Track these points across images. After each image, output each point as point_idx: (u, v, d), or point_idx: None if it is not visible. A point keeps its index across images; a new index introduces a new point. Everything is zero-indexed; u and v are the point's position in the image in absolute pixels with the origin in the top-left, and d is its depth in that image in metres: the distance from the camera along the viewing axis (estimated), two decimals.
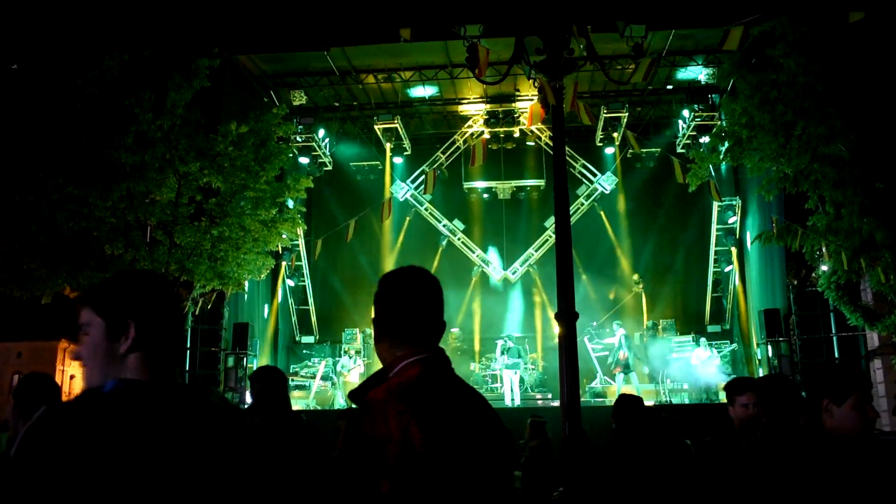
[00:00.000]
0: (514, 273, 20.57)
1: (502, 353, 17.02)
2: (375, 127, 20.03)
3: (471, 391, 1.96)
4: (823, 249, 13.51)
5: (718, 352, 18.10)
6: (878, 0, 11.83)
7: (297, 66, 18.60)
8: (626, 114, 19.16)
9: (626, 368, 16.72)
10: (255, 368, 16.67)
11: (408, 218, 21.08)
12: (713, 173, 15.97)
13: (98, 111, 11.33)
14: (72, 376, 34.22)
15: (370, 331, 17.15)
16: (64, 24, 13.21)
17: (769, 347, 17.08)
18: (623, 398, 5.10)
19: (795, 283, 17.33)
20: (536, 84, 6.13)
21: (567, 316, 5.05)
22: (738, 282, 19.72)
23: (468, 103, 20.44)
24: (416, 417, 1.70)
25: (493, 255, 20.94)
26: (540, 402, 17.43)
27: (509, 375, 16.67)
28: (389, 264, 20.76)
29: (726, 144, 14.00)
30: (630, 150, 19.17)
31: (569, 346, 5.07)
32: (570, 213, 19.73)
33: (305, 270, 20.57)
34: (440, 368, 1.91)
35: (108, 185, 11.54)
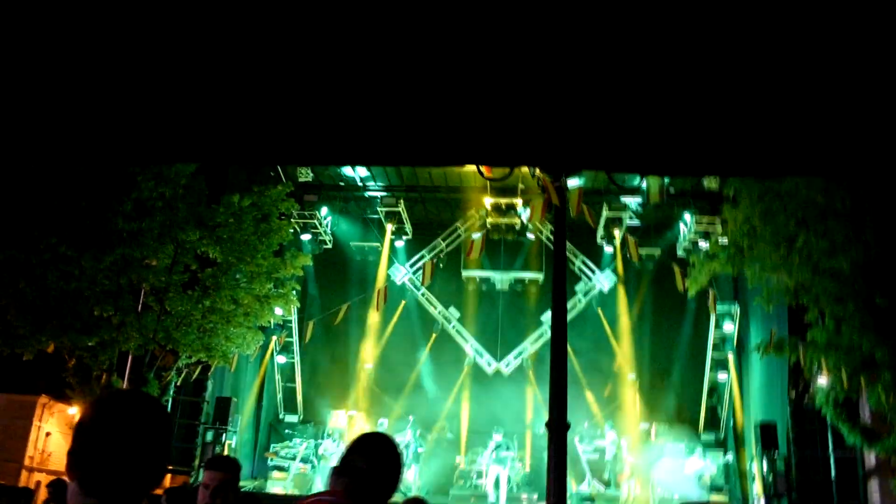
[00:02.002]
0: (507, 365, 20.23)
1: (496, 448, 16.64)
2: (379, 209, 20.08)
3: None
4: (822, 364, 13.28)
5: (713, 462, 17.61)
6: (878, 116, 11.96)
7: None
8: (629, 214, 19.22)
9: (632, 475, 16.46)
10: (233, 445, 16.10)
11: (403, 301, 20.88)
12: (714, 278, 15.87)
13: (100, 174, 11.32)
14: (48, 433, 33.30)
15: (356, 412, 16.73)
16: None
17: (764, 462, 16.62)
18: None
19: (793, 396, 17.00)
20: (541, 182, 6.09)
21: (558, 426, 4.83)
22: (734, 390, 19.37)
23: (473, 191, 20.53)
24: None
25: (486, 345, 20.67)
26: (525, 502, 16.85)
27: (496, 471, 16.21)
28: (375, 348, 20.49)
29: (727, 252, 13.95)
30: (630, 253, 19.22)
31: (558, 459, 4.83)
32: (568, 309, 19.58)
33: (295, 348, 20.25)
34: None
35: (103, 249, 11.43)
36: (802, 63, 1.74)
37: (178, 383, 15.03)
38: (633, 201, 18.85)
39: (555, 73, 1.77)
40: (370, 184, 20.57)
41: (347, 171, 19.55)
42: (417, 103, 1.85)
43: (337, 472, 2.32)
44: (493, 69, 1.77)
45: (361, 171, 19.78)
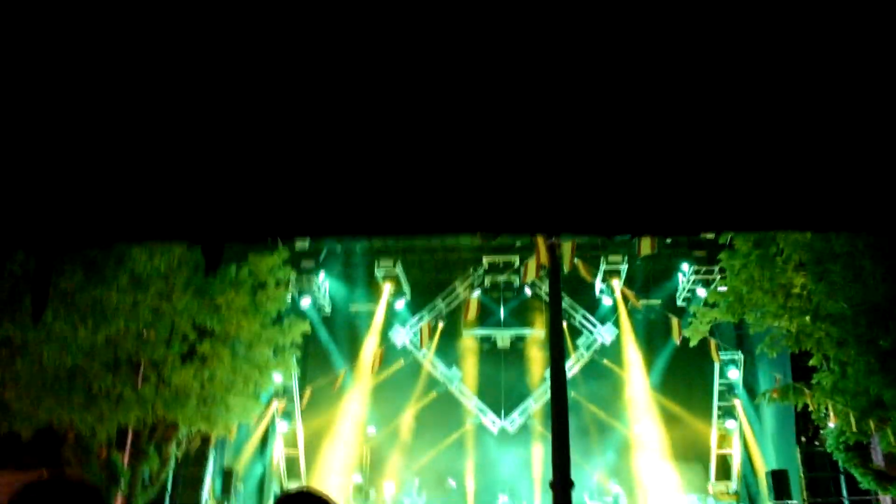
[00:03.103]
0: (512, 423, 19.96)
1: None
2: (376, 271, 20.09)
3: None
4: (830, 409, 13.13)
5: None
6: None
7: None
8: (626, 266, 19.21)
9: None
10: None
11: (401, 360, 20.69)
12: (716, 326, 15.81)
13: (92, 247, 11.31)
14: None
15: (360, 478, 16.42)
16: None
17: None
18: None
19: (804, 441, 16.76)
20: (534, 240, 6.13)
21: (562, 485, 4.74)
22: (745, 438, 19.10)
23: (469, 250, 20.57)
24: None
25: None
26: None
27: None
28: (376, 412, 20.27)
29: (727, 300, 13.90)
30: (630, 304, 19.19)
31: None
32: (571, 363, 19.37)
33: (296, 414, 19.99)
34: None
35: (98, 324, 11.36)
36: (787, 121, 1.75)
37: (179, 456, 14.78)
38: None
39: (544, 144, 1.79)
40: (367, 247, 20.63)
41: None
42: (406, 176, 1.86)
43: None
44: (483, 143, 1.79)
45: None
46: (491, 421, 20.05)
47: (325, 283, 20.45)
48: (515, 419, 20.01)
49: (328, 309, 20.67)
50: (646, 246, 7.77)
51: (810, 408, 13.42)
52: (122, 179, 1.87)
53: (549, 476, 17.95)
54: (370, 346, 20.12)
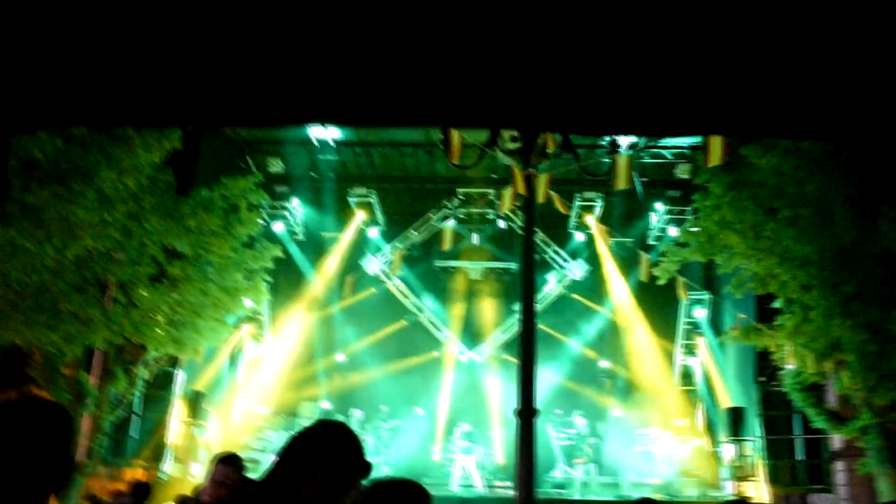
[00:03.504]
0: (481, 354, 20.26)
1: (463, 437, 16.87)
2: (350, 199, 19.94)
3: None
4: (789, 350, 13.48)
5: (684, 446, 17.86)
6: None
7: (276, 135, 18.60)
8: (601, 203, 19.26)
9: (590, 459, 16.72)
10: (205, 439, 15.96)
11: (373, 289, 20.77)
12: (685, 266, 16.03)
13: (60, 165, 11.03)
14: None
15: (328, 406, 16.67)
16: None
17: (734, 446, 16.88)
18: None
19: (763, 381, 17.25)
20: (510, 171, 6.08)
21: (526, 413, 4.83)
22: (708, 375, 19.59)
23: (444, 181, 20.46)
24: None
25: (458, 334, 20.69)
26: (500, 490, 16.95)
27: (464, 460, 16.53)
28: (345, 339, 20.48)
29: (697, 240, 14.07)
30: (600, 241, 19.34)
31: (526, 446, 4.82)
32: (541, 297, 19.56)
33: (266, 339, 20.10)
34: None
35: (65, 242, 11.17)
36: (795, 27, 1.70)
37: (148, 377, 14.82)
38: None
39: (528, 28, 1.72)
40: (342, 174, 20.43)
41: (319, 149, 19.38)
42: (389, 62, 1.79)
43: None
44: (465, 29, 1.72)
45: (333, 160, 19.68)
46: (460, 351, 20.33)
47: (298, 209, 20.29)
48: (484, 350, 20.30)
49: (301, 235, 20.57)
50: (621, 179, 7.81)
51: (770, 348, 13.77)
52: (81, 52, 1.78)
53: (514, 406, 18.39)
54: (341, 273, 20.16)
